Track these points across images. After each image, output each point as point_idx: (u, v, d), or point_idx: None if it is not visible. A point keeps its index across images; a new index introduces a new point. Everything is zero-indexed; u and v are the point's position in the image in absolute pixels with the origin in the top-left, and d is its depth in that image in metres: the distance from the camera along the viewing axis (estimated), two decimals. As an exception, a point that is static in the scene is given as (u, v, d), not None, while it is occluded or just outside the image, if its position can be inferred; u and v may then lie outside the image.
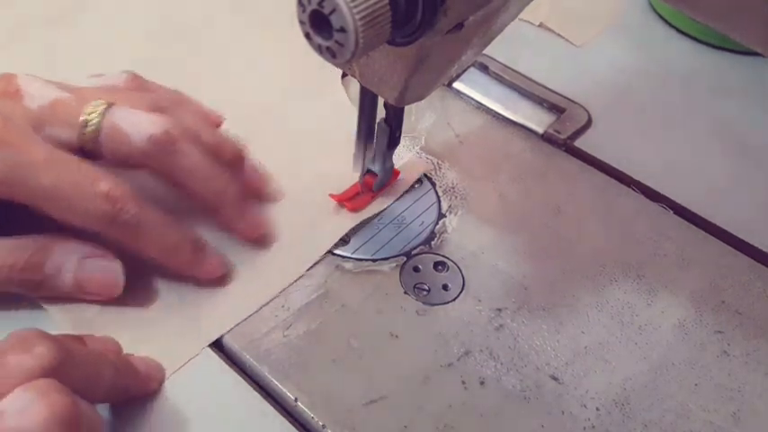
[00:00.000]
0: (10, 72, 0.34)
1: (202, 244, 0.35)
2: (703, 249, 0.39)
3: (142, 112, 0.33)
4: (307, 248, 0.37)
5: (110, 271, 0.33)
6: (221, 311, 0.34)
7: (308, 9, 0.23)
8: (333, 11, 0.23)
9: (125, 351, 0.31)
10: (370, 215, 0.39)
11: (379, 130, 0.36)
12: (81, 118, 0.32)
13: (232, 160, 0.37)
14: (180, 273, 0.34)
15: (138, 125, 0.32)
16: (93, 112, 0.32)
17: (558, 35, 0.52)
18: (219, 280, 0.35)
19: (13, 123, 0.31)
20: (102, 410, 0.31)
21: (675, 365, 0.34)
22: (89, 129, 0.32)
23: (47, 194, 0.30)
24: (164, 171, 0.33)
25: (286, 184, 0.39)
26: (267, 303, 0.35)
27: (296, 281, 0.35)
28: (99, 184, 0.31)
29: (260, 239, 0.36)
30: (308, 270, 0.36)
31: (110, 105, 0.32)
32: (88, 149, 0.32)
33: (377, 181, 0.39)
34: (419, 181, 0.41)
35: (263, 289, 0.35)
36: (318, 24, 0.23)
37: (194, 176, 0.34)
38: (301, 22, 0.24)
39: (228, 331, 0.33)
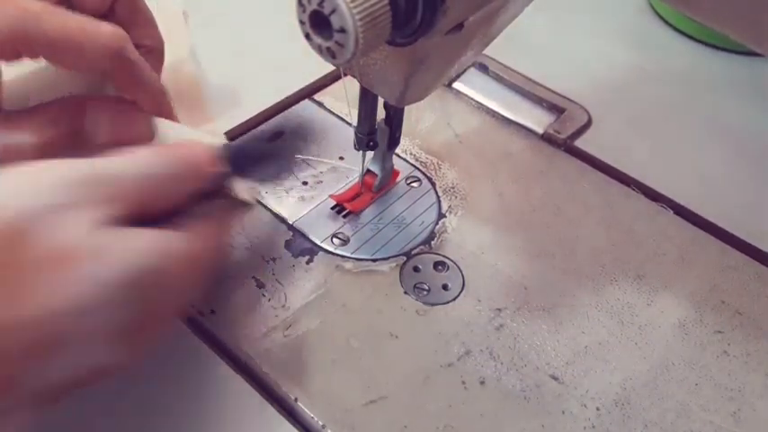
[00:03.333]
0: None
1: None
2: (703, 249, 0.39)
3: None
4: None
5: (137, 122, 0.35)
6: None
7: (308, 9, 0.23)
8: (333, 11, 0.23)
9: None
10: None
11: (378, 130, 0.36)
12: None
13: None
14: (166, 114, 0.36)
15: None
16: None
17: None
18: None
19: None
20: (100, 411, 0.31)
21: (675, 365, 0.34)
22: None
23: (56, 40, 0.31)
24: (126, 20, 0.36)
25: None
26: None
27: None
28: (101, 25, 0.32)
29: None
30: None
31: None
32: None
33: (377, 181, 0.39)
34: (418, 181, 0.41)
35: None
36: (318, 25, 0.23)
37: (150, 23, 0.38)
38: (301, 23, 0.24)
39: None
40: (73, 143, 0.33)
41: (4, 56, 0.31)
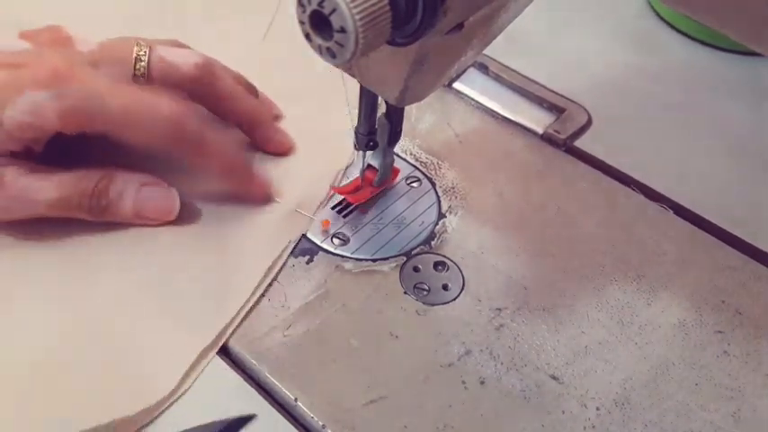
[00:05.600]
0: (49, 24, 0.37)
1: (249, 162, 0.40)
2: (703, 249, 0.39)
3: (179, 48, 0.38)
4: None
5: (165, 197, 0.37)
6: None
7: (309, 9, 0.23)
8: (333, 11, 0.23)
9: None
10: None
11: (379, 125, 0.36)
12: (133, 54, 0.36)
13: (249, 89, 0.42)
14: (235, 189, 0.38)
15: (182, 56, 0.38)
16: (142, 49, 0.37)
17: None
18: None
19: (74, 62, 0.35)
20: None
21: (675, 365, 0.34)
22: (142, 63, 0.36)
23: (117, 119, 0.34)
24: (208, 93, 0.38)
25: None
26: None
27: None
28: (161, 102, 0.35)
29: (287, 153, 0.41)
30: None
31: (151, 45, 0.37)
32: (139, 83, 0.37)
33: (377, 176, 0.39)
34: (418, 181, 0.41)
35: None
36: (318, 25, 0.23)
37: (234, 96, 0.39)
38: (301, 23, 0.24)
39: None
40: (89, 207, 0.35)
41: (67, 129, 0.34)
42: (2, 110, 0.32)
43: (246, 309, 0.34)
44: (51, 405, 0.30)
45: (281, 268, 0.36)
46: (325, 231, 0.38)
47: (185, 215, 0.37)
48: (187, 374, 0.32)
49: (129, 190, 0.36)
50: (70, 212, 0.35)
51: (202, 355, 0.32)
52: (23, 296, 0.34)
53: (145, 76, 0.36)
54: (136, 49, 0.37)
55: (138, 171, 0.37)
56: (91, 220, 0.36)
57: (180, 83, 0.37)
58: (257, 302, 0.35)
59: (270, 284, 0.35)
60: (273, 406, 0.31)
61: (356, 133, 0.36)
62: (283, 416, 0.31)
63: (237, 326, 0.34)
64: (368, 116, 0.35)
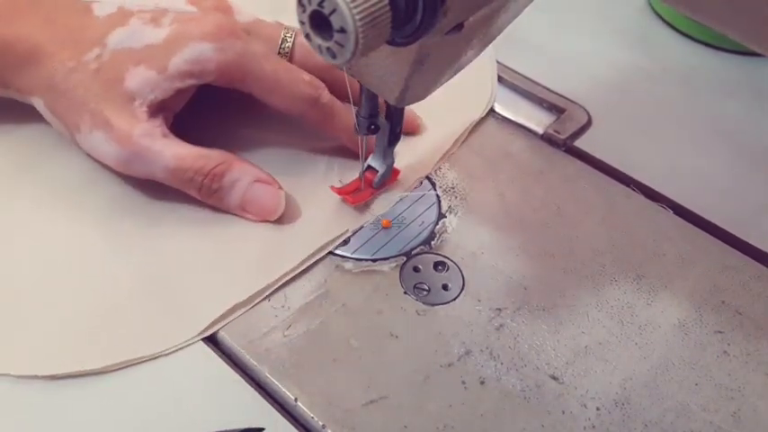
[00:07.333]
0: None
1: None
2: (703, 249, 0.39)
3: None
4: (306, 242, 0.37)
5: (273, 197, 0.38)
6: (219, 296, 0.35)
7: (309, 9, 0.23)
8: (333, 11, 0.23)
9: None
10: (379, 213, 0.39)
11: (379, 126, 0.36)
12: (281, 35, 0.40)
13: None
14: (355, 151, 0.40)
15: None
16: (289, 32, 0.40)
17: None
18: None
19: (235, 25, 0.38)
20: (99, 408, 0.31)
21: (675, 365, 0.34)
22: (287, 44, 0.40)
23: (267, 80, 0.37)
24: (338, 79, 0.39)
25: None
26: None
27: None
28: (303, 74, 0.38)
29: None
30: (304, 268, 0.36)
31: (297, 31, 0.40)
32: None
33: (377, 177, 0.38)
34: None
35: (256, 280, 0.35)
36: (319, 25, 0.23)
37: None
38: (301, 23, 0.24)
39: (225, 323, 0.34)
40: (200, 185, 0.36)
41: (221, 81, 0.37)
42: (171, 57, 0.35)
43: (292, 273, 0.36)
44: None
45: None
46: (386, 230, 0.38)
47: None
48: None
49: (243, 182, 0.37)
50: (182, 186, 0.37)
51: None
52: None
53: (287, 56, 0.39)
54: (283, 31, 0.40)
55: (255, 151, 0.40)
56: (198, 198, 0.37)
57: (315, 68, 0.39)
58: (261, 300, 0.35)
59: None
60: (273, 406, 0.31)
61: (357, 116, 0.36)
62: (283, 416, 0.31)
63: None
64: (369, 98, 0.35)
